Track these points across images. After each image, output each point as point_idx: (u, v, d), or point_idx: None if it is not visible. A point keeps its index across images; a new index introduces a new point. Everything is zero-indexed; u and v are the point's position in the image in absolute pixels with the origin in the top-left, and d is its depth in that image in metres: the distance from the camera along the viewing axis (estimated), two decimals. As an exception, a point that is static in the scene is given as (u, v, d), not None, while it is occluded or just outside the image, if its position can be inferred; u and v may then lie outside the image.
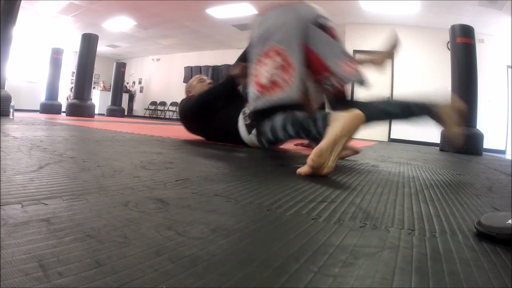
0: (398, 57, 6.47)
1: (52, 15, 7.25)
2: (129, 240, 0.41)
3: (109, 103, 8.82)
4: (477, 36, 4.20)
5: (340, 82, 1.37)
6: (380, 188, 0.95)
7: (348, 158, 1.77)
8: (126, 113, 9.59)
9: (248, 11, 6.29)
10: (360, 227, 0.56)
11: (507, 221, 0.52)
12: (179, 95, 8.53)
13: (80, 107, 5.69)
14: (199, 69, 10.39)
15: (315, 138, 1.17)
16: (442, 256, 0.45)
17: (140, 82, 12.28)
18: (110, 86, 9.31)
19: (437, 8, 5.35)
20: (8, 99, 3.48)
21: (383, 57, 1.60)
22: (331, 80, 1.37)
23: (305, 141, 2.23)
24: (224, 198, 0.68)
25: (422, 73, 6.35)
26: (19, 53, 8.73)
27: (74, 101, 5.79)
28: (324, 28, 1.35)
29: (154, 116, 11.35)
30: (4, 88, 3.56)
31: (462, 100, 4.03)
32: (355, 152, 1.77)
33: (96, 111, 7.00)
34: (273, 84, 1.25)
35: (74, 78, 6.47)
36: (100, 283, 0.30)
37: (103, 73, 11.84)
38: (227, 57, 9.67)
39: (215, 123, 2.00)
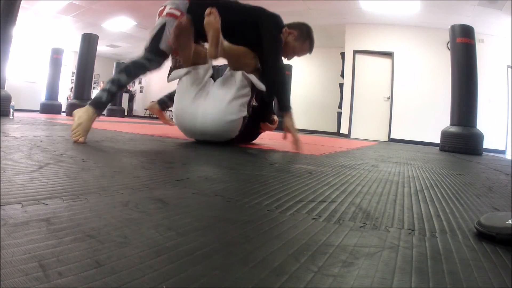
0: (399, 57, 6.48)
1: (52, 15, 7.24)
2: (129, 240, 0.41)
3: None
4: (477, 36, 4.20)
5: None
6: (380, 188, 0.95)
7: (347, 160, 1.77)
8: (126, 113, 9.59)
9: (248, 11, 6.28)
10: (360, 227, 0.56)
11: (507, 221, 0.52)
12: (179, 95, 8.49)
13: (80, 107, 5.68)
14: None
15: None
16: (442, 256, 0.45)
17: (140, 82, 12.27)
18: (110, 86, 9.30)
19: (437, 8, 5.35)
20: (8, 99, 3.48)
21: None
22: None
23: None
24: (224, 198, 0.68)
25: (422, 73, 6.35)
26: (19, 53, 8.72)
27: (74, 101, 5.78)
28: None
29: (154, 116, 11.36)
30: (4, 88, 3.55)
31: (462, 100, 3.97)
32: None
33: (96, 111, 6.98)
34: None
35: (74, 78, 6.47)
36: (100, 283, 0.30)
37: (103, 73, 11.83)
38: (227, 57, 9.65)
39: None
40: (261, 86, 1.88)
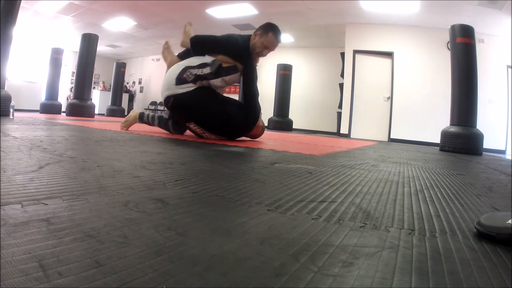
0: (399, 57, 6.49)
1: (52, 15, 7.24)
2: (129, 240, 0.41)
3: (109, 103, 8.82)
4: (477, 36, 4.20)
5: None
6: (380, 188, 0.95)
7: (347, 160, 1.77)
8: (126, 113, 9.57)
9: (248, 11, 6.29)
10: (360, 227, 0.56)
11: (507, 221, 0.52)
12: (179, 95, 8.48)
13: (80, 107, 5.68)
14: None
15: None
16: (442, 256, 0.45)
17: (140, 82, 12.28)
18: (110, 86, 9.31)
19: (437, 8, 5.34)
20: (8, 99, 3.48)
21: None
22: None
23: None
24: (224, 198, 0.68)
25: (422, 73, 6.35)
26: (19, 53, 8.72)
27: (74, 101, 5.78)
28: None
29: (154, 116, 11.35)
30: (4, 88, 3.55)
31: (462, 100, 3.95)
32: None
33: (96, 111, 7.00)
34: None
35: (74, 78, 6.46)
36: (100, 283, 0.30)
37: (103, 73, 11.84)
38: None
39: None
40: (214, 61, 2.34)
